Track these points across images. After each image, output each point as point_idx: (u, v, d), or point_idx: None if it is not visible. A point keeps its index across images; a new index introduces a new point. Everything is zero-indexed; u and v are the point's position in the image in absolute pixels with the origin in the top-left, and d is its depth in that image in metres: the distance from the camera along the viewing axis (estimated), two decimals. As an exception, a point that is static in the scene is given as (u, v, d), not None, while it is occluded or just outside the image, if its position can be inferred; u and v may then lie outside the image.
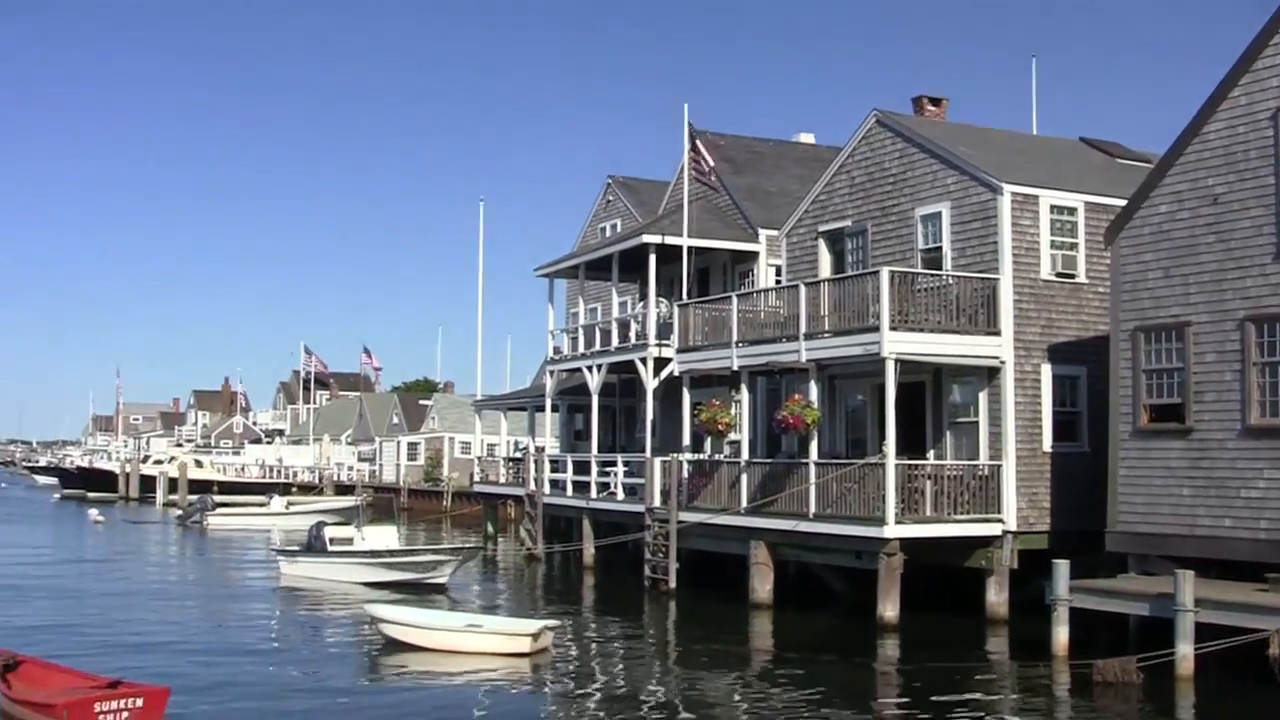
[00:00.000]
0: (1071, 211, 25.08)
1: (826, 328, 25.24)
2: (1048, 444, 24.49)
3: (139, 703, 14.10)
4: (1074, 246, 25.07)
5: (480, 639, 20.76)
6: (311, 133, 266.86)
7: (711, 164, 34.72)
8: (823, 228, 29.47)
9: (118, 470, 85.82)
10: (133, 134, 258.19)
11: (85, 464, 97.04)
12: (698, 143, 35.15)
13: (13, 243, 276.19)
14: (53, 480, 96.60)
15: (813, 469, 24.98)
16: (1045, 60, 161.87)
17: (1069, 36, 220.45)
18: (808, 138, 41.79)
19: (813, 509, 24.65)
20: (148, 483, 79.22)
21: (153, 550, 45.69)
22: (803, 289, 25.85)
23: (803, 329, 25.38)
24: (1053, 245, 24.79)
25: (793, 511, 25.31)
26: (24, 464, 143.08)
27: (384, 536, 33.12)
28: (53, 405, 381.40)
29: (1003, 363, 24.22)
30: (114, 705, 13.93)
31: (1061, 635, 19.41)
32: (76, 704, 13.87)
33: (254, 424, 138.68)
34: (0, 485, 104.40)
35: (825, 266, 29.19)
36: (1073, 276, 25.02)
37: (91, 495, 78.44)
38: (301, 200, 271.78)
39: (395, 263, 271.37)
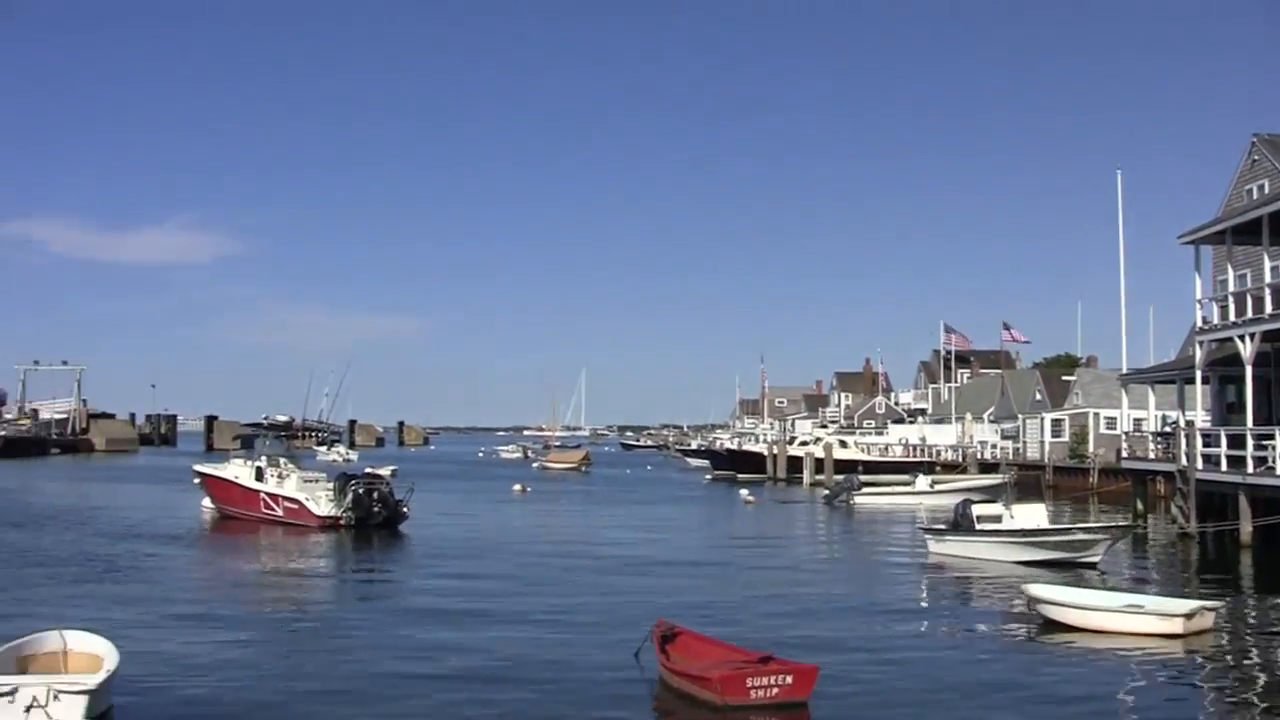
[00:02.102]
0: None
1: None
2: None
3: (789, 679, 14.63)
4: None
5: (1134, 619, 20.10)
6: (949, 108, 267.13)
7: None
8: None
9: (765, 452, 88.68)
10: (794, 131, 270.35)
11: (734, 446, 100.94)
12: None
13: (674, 246, 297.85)
14: (704, 463, 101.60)
15: None
16: None
17: None
18: None
19: None
20: (794, 463, 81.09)
21: (800, 529, 47.40)
22: None
23: None
24: None
25: None
26: (676, 447, 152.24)
27: (1033, 515, 32.58)
28: (701, 391, 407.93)
29: None
30: (765, 680, 14.55)
31: None
32: (729, 677, 14.58)
33: (895, 404, 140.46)
34: (647, 468, 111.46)
35: None
36: None
37: (741, 476, 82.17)
38: (935, 178, 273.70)
39: (1030, 237, 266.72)
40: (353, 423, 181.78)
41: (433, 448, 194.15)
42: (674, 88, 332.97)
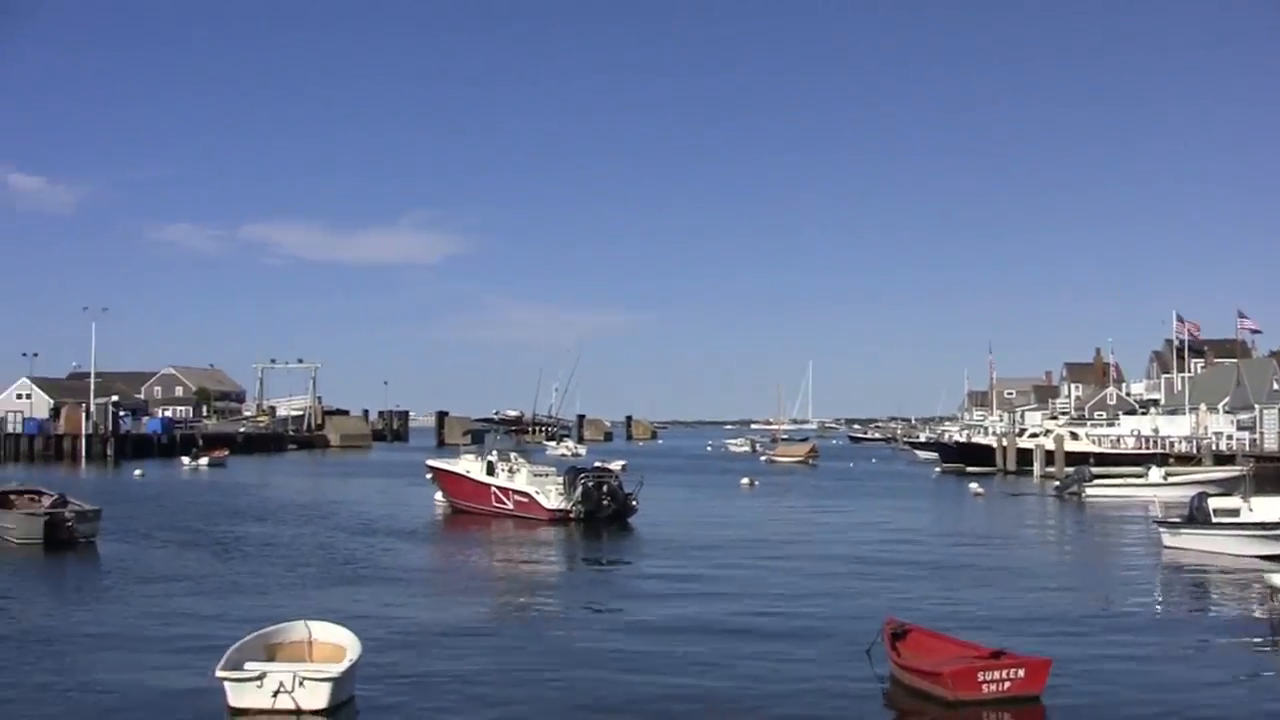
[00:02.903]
0: None
1: None
2: None
3: (1021, 673, 14.44)
4: None
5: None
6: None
7: None
8: None
9: (994, 444, 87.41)
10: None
11: (963, 439, 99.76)
12: None
13: (900, 238, 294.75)
14: (932, 455, 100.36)
15: None
16: None
17: None
18: None
19: None
20: (1024, 456, 79.87)
21: (1030, 522, 46.42)
22: None
23: None
24: None
25: None
26: (904, 440, 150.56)
27: (1273, 508, 31.32)
28: (929, 383, 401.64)
29: None
30: (996, 675, 14.39)
31: None
32: (960, 672, 14.48)
33: (1127, 394, 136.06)
34: (872, 460, 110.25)
35: None
36: None
37: (970, 469, 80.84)
38: (1164, 166, 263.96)
39: (1264, 223, 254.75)
40: (581, 417, 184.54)
41: (660, 442, 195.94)
42: (899, 86, 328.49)
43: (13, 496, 36.88)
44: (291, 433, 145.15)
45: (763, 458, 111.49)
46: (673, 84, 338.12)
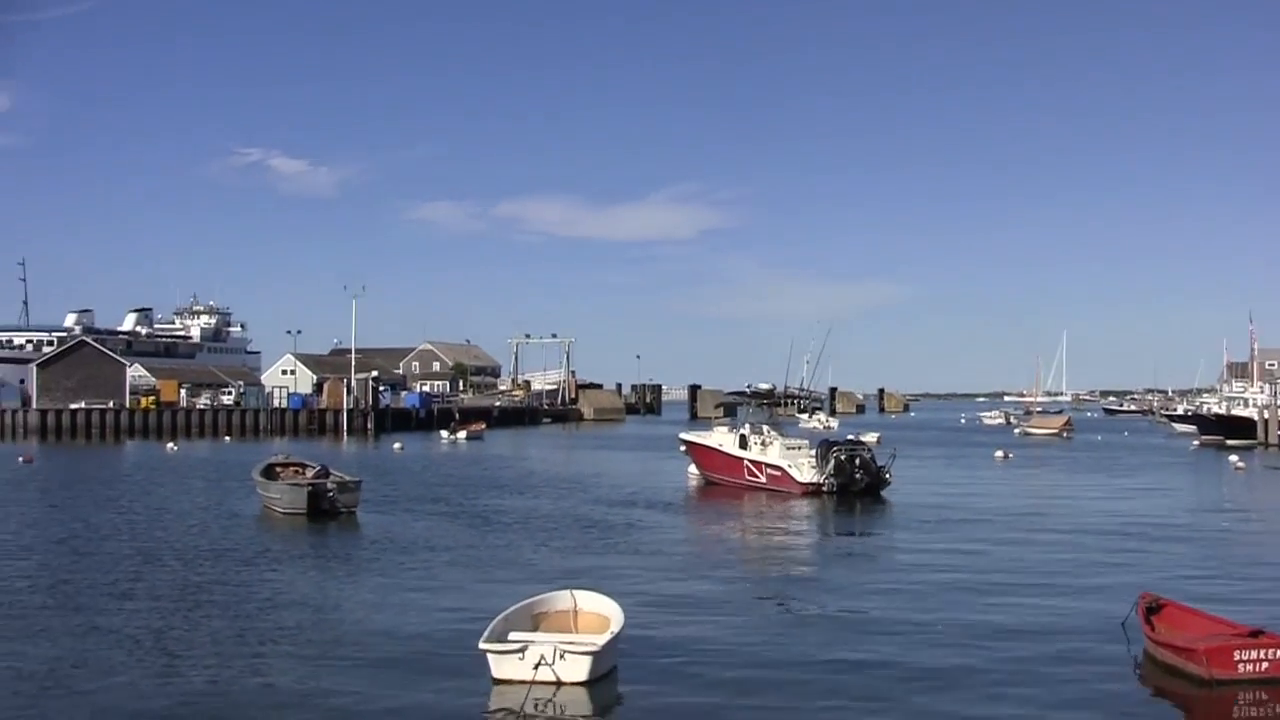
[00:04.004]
0: None
1: None
2: None
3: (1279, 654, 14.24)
4: None
5: None
6: None
7: None
8: None
9: (1255, 416, 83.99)
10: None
11: (1222, 411, 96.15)
12: None
13: (1154, 206, 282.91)
14: (1190, 428, 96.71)
15: None
16: None
17: None
18: None
19: None
20: (1288, 429, 76.38)
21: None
22: None
23: None
24: None
25: None
26: (1161, 412, 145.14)
27: None
28: (1186, 354, 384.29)
29: None
30: (1255, 654, 14.15)
31: None
32: (1216, 650, 14.28)
33: None
34: (1124, 434, 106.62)
35: None
36: None
37: (1230, 442, 77.63)
38: None
39: None
40: (833, 390, 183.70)
41: (913, 414, 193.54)
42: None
43: (278, 468, 38.54)
44: (546, 406, 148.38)
45: (1016, 430, 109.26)
46: (913, 54, 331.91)
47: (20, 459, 63.20)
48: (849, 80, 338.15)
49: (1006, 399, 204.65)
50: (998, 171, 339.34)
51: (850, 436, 51.56)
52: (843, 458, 40.79)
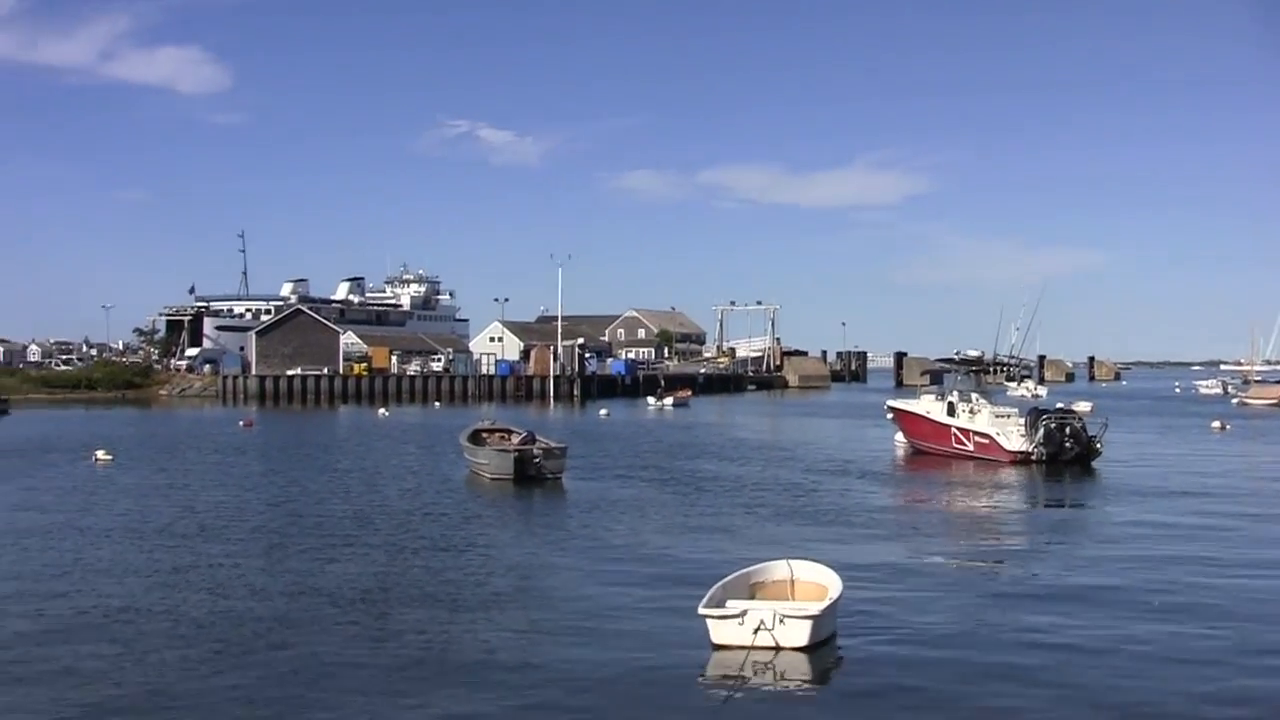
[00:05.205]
0: None
1: None
2: None
3: None
4: None
5: None
6: None
7: None
8: None
9: None
10: None
11: None
12: None
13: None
14: None
15: None
16: None
17: None
18: None
19: None
20: None
21: None
22: None
23: None
24: None
25: None
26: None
27: None
28: None
29: None
30: None
31: None
32: None
33: None
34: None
35: None
36: None
37: None
38: None
39: None
40: (1042, 358, 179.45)
41: (1124, 383, 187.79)
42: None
43: (485, 434, 39.14)
44: (751, 373, 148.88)
45: (1234, 400, 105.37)
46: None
47: (241, 423, 66.39)
48: (1057, 48, 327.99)
49: (1223, 367, 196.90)
50: (1204, 136, 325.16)
51: (1059, 405, 50.61)
52: (1052, 426, 40.11)
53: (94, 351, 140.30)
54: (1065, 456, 39.65)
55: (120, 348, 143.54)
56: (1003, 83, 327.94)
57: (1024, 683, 13.69)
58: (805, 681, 13.88)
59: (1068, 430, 40.14)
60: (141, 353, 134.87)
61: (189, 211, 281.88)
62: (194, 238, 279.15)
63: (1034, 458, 39.81)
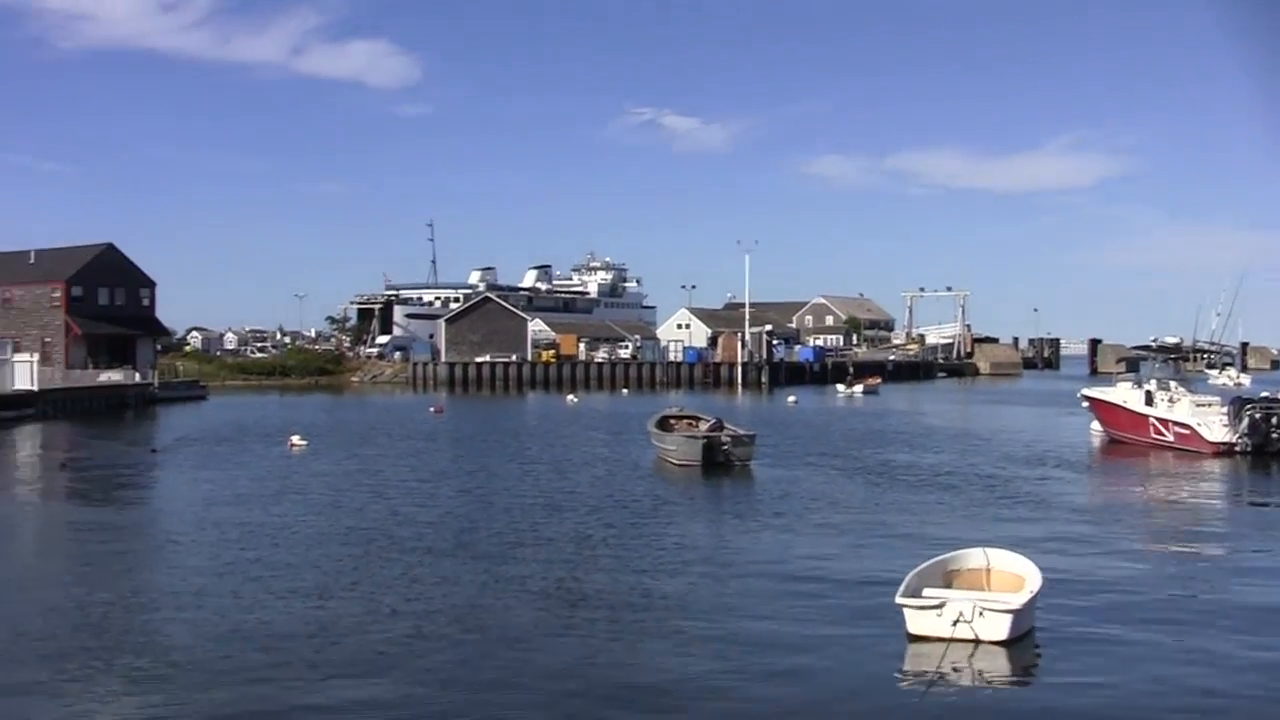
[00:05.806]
0: None
1: None
2: None
3: None
4: None
5: None
6: None
7: None
8: None
9: None
10: None
11: None
12: None
13: None
14: None
15: None
16: None
17: None
18: None
19: None
20: None
21: None
22: None
23: None
24: None
25: None
26: None
27: None
28: None
29: None
30: None
31: None
32: None
33: None
34: None
35: None
36: None
37: None
38: None
39: None
40: (1244, 345, 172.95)
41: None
42: None
43: (672, 420, 39.57)
44: (941, 361, 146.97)
45: None
46: None
47: (432, 409, 67.92)
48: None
49: None
50: None
51: (1265, 394, 48.77)
52: (1258, 416, 38.59)
53: (287, 339, 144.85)
54: (1273, 448, 38.07)
55: (313, 335, 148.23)
56: (1201, 59, 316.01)
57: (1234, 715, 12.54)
58: (1004, 679, 13.48)
59: (1274, 420, 38.53)
60: (334, 340, 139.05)
61: (380, 202, 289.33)
62: (385, 228, 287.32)
63: (1238, 449, 38.36)
